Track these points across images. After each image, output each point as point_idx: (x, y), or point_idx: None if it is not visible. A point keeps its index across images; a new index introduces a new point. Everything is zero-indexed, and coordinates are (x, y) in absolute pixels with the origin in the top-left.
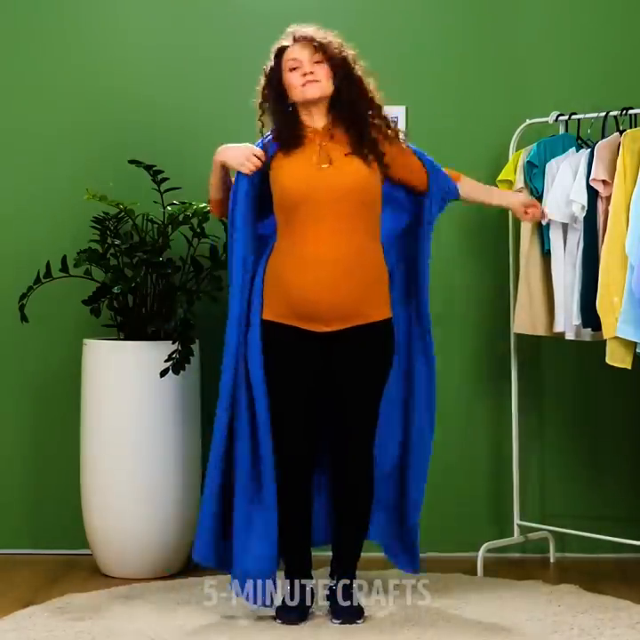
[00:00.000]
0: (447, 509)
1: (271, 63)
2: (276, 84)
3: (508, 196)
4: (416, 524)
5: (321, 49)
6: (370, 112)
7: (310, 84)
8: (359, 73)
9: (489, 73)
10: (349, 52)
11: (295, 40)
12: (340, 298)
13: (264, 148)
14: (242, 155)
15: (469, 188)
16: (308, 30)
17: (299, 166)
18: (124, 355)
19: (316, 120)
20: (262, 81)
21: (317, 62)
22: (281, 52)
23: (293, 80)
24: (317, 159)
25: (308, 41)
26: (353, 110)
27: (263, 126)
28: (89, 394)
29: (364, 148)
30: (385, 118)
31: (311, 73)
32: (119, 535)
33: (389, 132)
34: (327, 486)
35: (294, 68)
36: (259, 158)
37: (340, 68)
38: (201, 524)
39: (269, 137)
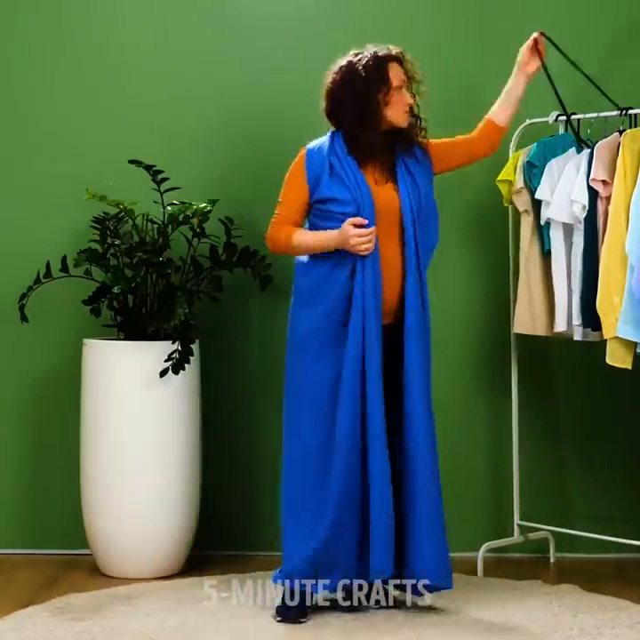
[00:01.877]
0: (447, 509)
1: (367, 67)
2: (372, 95)
3: (517, 76)
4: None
5: (414, 81)
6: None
7: (407, 114)
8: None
9: (489, 73)
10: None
11: (400, 60)
12: (388, 295)
13: (317, 153)
14: (350, 241)
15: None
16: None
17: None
18: (123, 355)
19: (381, 136)
20: (350, 84)
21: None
22: (384, 62)
23: (402, 100)
24: (379, 176)
25: (408, 66)
26: (407, 139)
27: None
28: (89, 394)
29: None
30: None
31: (411, 105)
32: (119, 535)
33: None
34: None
35: (401, 88)
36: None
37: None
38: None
39: (330, 142)
